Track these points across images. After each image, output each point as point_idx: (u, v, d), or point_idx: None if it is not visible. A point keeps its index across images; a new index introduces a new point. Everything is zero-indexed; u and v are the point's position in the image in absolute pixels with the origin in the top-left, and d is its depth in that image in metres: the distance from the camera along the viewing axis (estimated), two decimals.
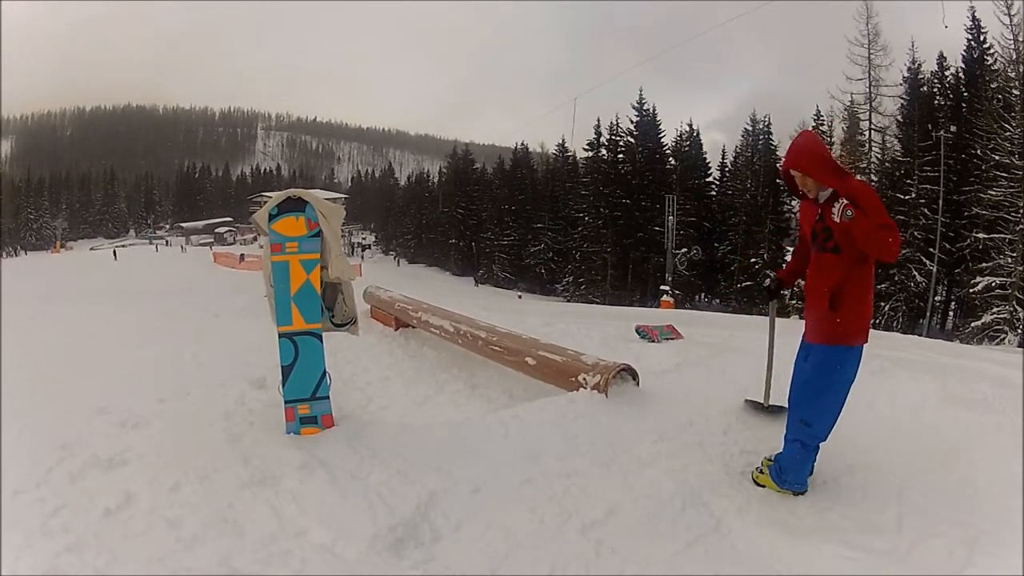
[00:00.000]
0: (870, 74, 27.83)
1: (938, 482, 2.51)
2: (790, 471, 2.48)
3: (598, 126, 37.33)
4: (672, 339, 5.54)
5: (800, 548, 2.14)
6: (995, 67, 23.81)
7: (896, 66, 27.28)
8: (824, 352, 2.38)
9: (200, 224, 71.41)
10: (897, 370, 3.96)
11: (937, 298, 24.71)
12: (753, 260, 30.05)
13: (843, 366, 2.36)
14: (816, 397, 2.40)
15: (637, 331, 5.65)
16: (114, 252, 45.93)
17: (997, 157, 21.27)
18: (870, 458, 2.71)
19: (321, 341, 3.07)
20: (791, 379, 2.54)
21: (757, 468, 2.64)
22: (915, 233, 23.96)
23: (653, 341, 5.43)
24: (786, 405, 2.53)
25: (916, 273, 23.82)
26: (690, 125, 36.99)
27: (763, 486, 2.54)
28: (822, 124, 30.00)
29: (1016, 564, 1.92)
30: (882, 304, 23.98)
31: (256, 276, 3.30)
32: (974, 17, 24.48)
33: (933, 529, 2.17)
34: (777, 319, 3.27)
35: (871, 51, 27.74)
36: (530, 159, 48.70)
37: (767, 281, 2.94)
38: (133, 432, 3.03)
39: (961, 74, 25.44)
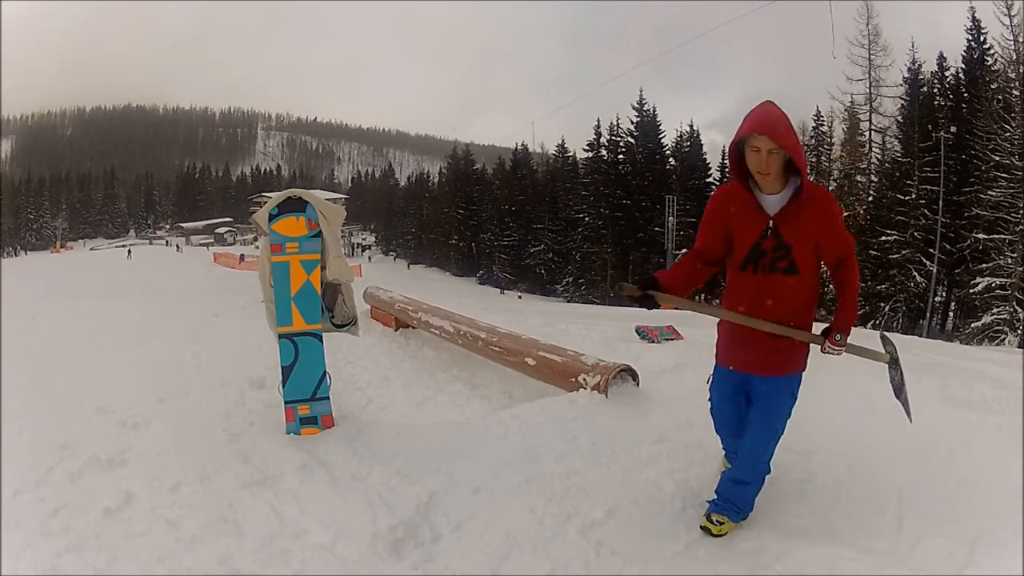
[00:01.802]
0: (870, 75, 27.95)
1: (938, 482, 2.51)
2: (750, 506, 2.24)
3: (598, 126, 37.37)
4: (672, 340, 5.54)
5: (800, 548, 2.13)
6: (995, 68, 23.86)
7: (896, 66, 27.43)
8: (778, 385, 2.10)
9: (200, 224, 71.29)
10: None
11: (937, 299, 24.72)
12: None
13: (795, 392, 2.15)
14: (777, 435, 2.17)
15: (637, 331, 5.66)
16: (128, 251, 48.09)
17: (997, 158, 21.31)
18: (870, 458, 2.71)
19: (321, 341, 3.07)
20: (722, 419, 2.30)
21: (711, 522, 2.18)
22: (915, 234, 24.00)
23: (653, 342, 5.44)
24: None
25: (916, 274, 23.83)
26: (690, 125, 37.09)
27: (726, 533, 2.19)
28: (822, 124, 30.09)
29: (1016, 564, 1.91)
30: (882, 305, 24.02)
31: (255, 276, 3.29)
32: (974, 18, 24.54)
33: (933, 529, 2.16)
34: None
35: (871, 51, 27.84)
36: (530, 159, 48.64)
37: (636, 291, 2.10)
38: (133, 432, 3.03)
39: (961, 75, 25.47)
